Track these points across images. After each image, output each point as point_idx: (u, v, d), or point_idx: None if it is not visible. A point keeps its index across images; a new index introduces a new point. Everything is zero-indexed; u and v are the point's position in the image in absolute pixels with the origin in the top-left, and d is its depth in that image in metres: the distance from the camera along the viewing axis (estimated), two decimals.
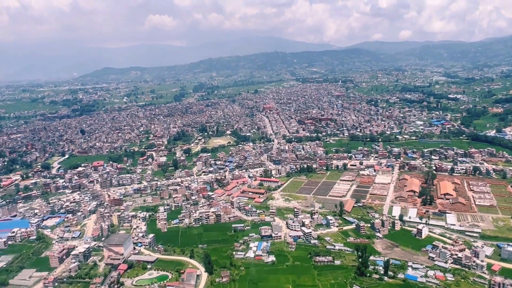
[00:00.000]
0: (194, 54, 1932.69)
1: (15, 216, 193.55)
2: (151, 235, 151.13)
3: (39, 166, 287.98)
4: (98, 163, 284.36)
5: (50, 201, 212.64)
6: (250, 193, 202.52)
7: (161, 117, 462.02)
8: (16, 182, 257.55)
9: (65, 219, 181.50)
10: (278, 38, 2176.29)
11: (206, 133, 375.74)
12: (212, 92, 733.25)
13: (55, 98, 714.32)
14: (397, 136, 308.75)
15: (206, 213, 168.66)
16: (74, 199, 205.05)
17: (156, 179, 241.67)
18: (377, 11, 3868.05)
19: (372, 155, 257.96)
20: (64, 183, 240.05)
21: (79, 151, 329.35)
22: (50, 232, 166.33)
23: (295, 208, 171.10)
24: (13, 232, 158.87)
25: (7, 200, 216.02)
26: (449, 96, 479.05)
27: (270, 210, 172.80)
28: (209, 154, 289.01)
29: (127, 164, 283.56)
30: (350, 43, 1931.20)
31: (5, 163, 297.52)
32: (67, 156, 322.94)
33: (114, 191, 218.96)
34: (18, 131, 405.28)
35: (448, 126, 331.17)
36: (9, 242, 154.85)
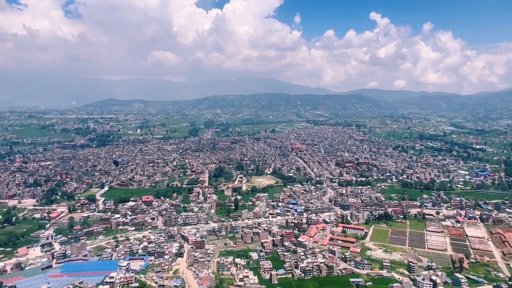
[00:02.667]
0: (194, 91, 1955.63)
1: (85, 255, 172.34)
2: None
3: (84, 198, 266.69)
4: (148, 198, 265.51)
5: (119, 240, 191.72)
6: (340, 241, 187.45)
7: (189, 151, 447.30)
8: (64, 214, 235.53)
9: (150, 262, 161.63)
10: (276, 80, 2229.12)
11: (245, 172, 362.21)
12: (226, 129, 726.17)
13: (66, 126, 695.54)
14: (452, 185, 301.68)
15: (316, 264, 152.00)
16: (149, 239, 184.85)
17: (223, 219, 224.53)
18: (375, 60, 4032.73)
19: (443, 204, 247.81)
20: (122, 219, 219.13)
21: (119, 183, 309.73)
22: (144, 278, 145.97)
23: (411, 262, 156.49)
24: (112, 277, 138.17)
25: (69, 236, 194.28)
26: (473, 146, 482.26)
27: (384, 264, 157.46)
28: (266, 194, 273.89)
29: (177, 200, 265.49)
30: (347, 89, 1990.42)
31: (44, 192, 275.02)
32: (106, 188, 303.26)
33: (188, 231, 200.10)
34: (47, 158, 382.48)
35: (495, 176, 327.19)
36: None
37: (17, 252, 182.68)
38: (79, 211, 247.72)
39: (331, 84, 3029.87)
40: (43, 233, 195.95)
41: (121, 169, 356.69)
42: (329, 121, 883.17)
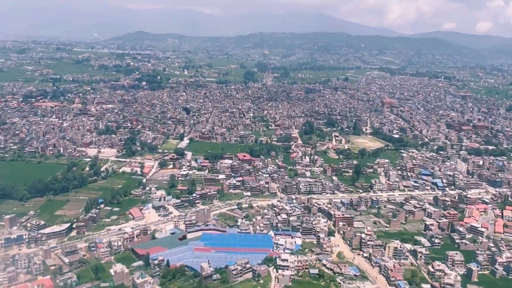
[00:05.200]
0: (231, 25, 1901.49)
1: (215, 225, 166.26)
2: None
3: (169, 151, 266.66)
4: (244, 156, 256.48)
5: (242, 207, 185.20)
6: None
7: (262, 100, 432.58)
8: (156, 170, 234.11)
9: (300, 240, 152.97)
10: (330, 17, 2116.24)
11: (339, 129, 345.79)
12: (286, 74, 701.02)
13: (102, 62, 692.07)
14: None
15: None
16: (283, 210, 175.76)
17: (351, 189, 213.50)
18: None
19: None
20: (233, 181, 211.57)
21: (200, 135, 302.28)
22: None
23: None
24: (284, 260, 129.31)
25: (182, 199, 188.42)
26: None
27: None
28: (387, 160, 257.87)
29: (278, 160, 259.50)
30: (416, 31, 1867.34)
31: (122, 142, 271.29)
32: (187, 140, 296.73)
33: (319, 202, 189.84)
34: (107, 101, 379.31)
35: None
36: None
37: (130, 213, 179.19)
38: (171, 167, 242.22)
39: (397, 24, 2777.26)
40: (155, 193, 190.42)
41: (195, 118, 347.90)
42: (405, 69, 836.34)
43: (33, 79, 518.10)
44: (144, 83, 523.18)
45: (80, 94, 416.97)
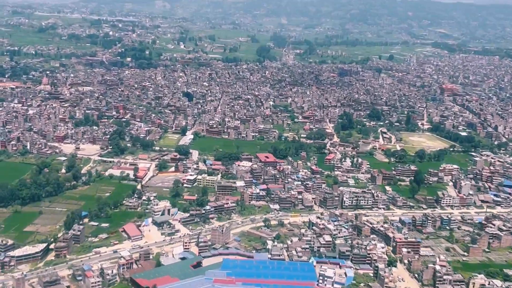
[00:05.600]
0: None
1: (237, 249, 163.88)
2: None
3: (167, 149, 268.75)
4: (267, 157, 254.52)
5: (272, 224, 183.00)
6: None
7: (284, 84, 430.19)
8: (153, 173, 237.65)
9: (353, 270, 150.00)
10: None
11: (387, 123, 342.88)
12: (311, 51, 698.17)
13: (73, 31, 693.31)
14: None
15: None
16: (322, 227, 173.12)
17: (412, 204, 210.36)
18: None
19: None
20: (254, 191, 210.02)
21: (208, 129, 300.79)
22: None
23: None
24: None
25: (191, 212, 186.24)
26: None
27: None
28: (457, 166, 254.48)
29: (311, 163, 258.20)
30: None
31: (107, 135, 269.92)
32: (190, 135, 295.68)
33: (370, 219, 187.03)
34: (83, 81, 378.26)
35: None
36: None
37: (124, 230, 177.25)
38: (172, 169, 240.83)
39: None
40: (156, 204, 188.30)
41: (199, 106, 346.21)
42: (467, 46, 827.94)
43: None
44: (128, 59, 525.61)
45: (47, 72, 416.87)
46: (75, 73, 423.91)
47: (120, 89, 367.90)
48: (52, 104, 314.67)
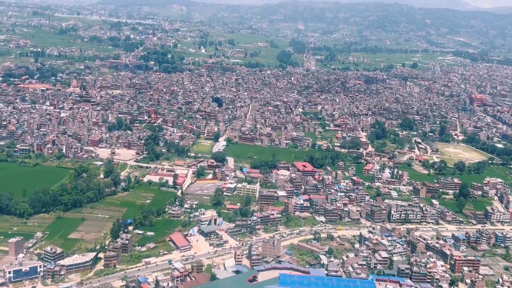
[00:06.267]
0: None
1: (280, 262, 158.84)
2: None
3: (201, 156, 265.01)
4: (305, 166, 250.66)
5: (321, 237, 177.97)
6: None
7: (311, 91, 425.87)
8: (192, 180, 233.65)
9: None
10: None
11: (420, 133, 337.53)
12: (332, 57, 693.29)
13: (94, 33, 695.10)
14: None
15: None
16: (375, 243, 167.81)
17: (461, 219, 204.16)
18: None
19: None
20: (298, 201, 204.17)
21: (241, 136, 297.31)
22: None
23: None
24: None
25: (238, 223, 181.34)
26: None
27: None
28: (501, 180, 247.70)
29: (350, 173, 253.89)
30: (497, 4, 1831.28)
31: (142, 140, 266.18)
32: (223, 141, 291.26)
33: (422, 234, 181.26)
34: (112, 85, 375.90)
35: None
36: None
37: (171, 240, 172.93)
38: (210, 177, 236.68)
39: None
40: (202, 213, 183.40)
41: (229, 112, 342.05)
42: (488, 55, 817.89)
43: (8, 52, 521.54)
44: (152, 62, 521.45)
45: (74, 75, 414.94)
46: (102, 75, 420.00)
47: (149, 93, 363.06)
48: (84, 107, 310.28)
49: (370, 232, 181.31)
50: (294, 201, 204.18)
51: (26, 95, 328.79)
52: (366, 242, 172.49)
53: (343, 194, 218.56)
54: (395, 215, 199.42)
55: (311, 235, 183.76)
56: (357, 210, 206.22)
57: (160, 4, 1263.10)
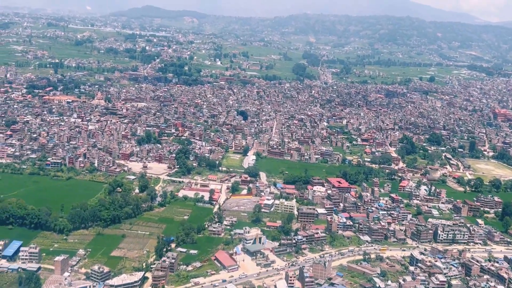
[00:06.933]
0: (263, 3, 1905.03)
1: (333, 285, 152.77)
2: None
3: (233, 171, 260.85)
4: (340, 182, 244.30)
5: (371, 258, 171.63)
6: None
7: (334, 105, 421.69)
8: (226, 196, 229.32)
9: None
10: None
11: (448, 148, 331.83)
12: (347, 70, 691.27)
13: (109, 44, 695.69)
14: None
15: None
16: (429, 265, 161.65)
17: (507, 240, 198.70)
18: None
19: None
20: (340, 220, 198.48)
21: (270, 150, 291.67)
22: None
23: None
24: None
25: (283, 242, 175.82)
26: None
27: None
28: None
29: (386, 190, 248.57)
30: (505, 18, 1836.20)
31: (172, 154, 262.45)
32: (253, 156, 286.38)
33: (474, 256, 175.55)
34: (137, 97, 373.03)
35: None
36: None
37: (216, 259, 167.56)
38: (244, 192, 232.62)
39: (479, 9, 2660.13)
40: (247, 232, 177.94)
41: (255, 125, 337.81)
42: (502, 69, 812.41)
43: (27, 63, 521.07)
44: (170, 74, 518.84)
45: (96, 86, 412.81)
46: (124, 87, 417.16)
47: (174, 106, 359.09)
48: (111, 120, 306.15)
49: (421, 253, 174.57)
50: (337, 220, 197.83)
51: (53, 107, 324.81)
52: (419, 264, 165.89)
53: (385, 212, 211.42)
54: (442, 235, 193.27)
55: (358, 255, 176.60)
56: (400, 229, 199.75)
57: (172, 17, 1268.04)
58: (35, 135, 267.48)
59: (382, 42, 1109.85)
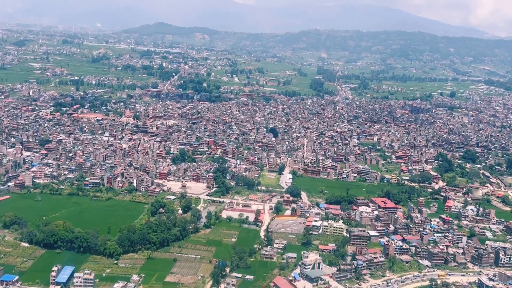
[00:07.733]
0: (271, 19, 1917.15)
1: None
2: None
3: (275, 190, 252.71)
4: (385, 202, 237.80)
5: (438, 285, 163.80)
6: None
7: (362, 121, 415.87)
8: (271, 217, 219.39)
9: None
10: (399, 11, 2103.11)
11: (485, 166, 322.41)
12: (365, 86, 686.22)
13: (127, 61, 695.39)
14: None
15: None
16: None
17: None
18: None
19: None
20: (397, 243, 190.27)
21: (305, 168, 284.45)
22: None
23: None
24: None
25: (343, 267, 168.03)
26: None
27: None
28: None
29: (432, 210, 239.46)
30: None
31: (209, 172, 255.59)
32: (289, 174, 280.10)
33: None
34: (165, 114, 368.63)
35: None
36: None
37: (275, 285, 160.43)
38: (288, 212, 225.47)
39: (488, 23, 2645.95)
40: (306, 257, 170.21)
41: (286, 142, 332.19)
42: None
43: (47, 80, 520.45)
44: (191, 91, 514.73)
45: (121, 104, 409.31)
46: (148, 104, 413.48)
47: (203, 124, 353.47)
48: (143, 138, 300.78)
49: (490, 279, 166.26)
50: (394, 243, 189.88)
51: (84, 125, 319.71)
52: None
53: (440, 234, 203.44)
54: (505, 259, 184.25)
55: (423, 281, 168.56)
56: (461, 253, 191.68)
57: (183, 33, 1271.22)
58: (70, 154, 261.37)
59: (395, 57, 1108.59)
